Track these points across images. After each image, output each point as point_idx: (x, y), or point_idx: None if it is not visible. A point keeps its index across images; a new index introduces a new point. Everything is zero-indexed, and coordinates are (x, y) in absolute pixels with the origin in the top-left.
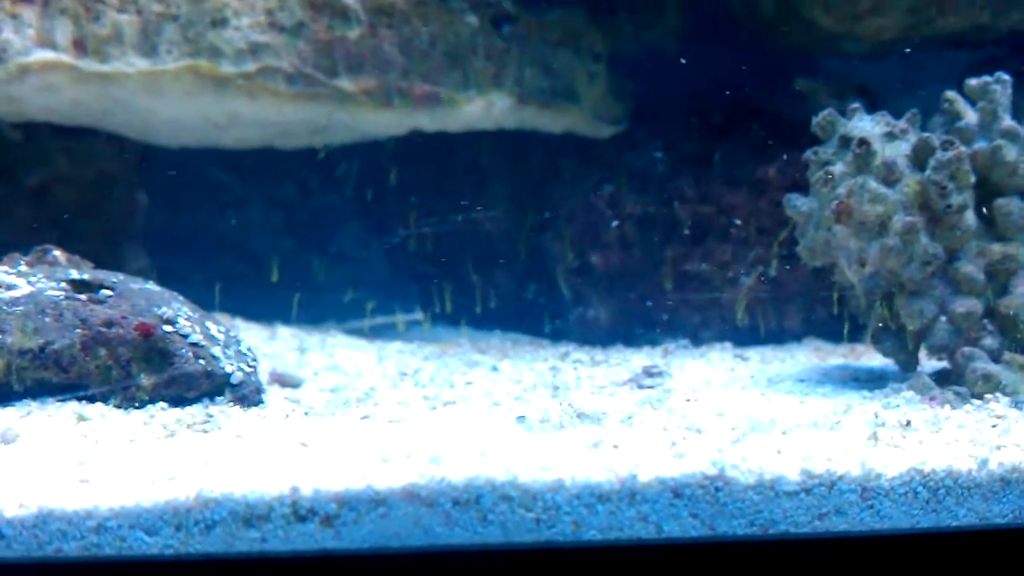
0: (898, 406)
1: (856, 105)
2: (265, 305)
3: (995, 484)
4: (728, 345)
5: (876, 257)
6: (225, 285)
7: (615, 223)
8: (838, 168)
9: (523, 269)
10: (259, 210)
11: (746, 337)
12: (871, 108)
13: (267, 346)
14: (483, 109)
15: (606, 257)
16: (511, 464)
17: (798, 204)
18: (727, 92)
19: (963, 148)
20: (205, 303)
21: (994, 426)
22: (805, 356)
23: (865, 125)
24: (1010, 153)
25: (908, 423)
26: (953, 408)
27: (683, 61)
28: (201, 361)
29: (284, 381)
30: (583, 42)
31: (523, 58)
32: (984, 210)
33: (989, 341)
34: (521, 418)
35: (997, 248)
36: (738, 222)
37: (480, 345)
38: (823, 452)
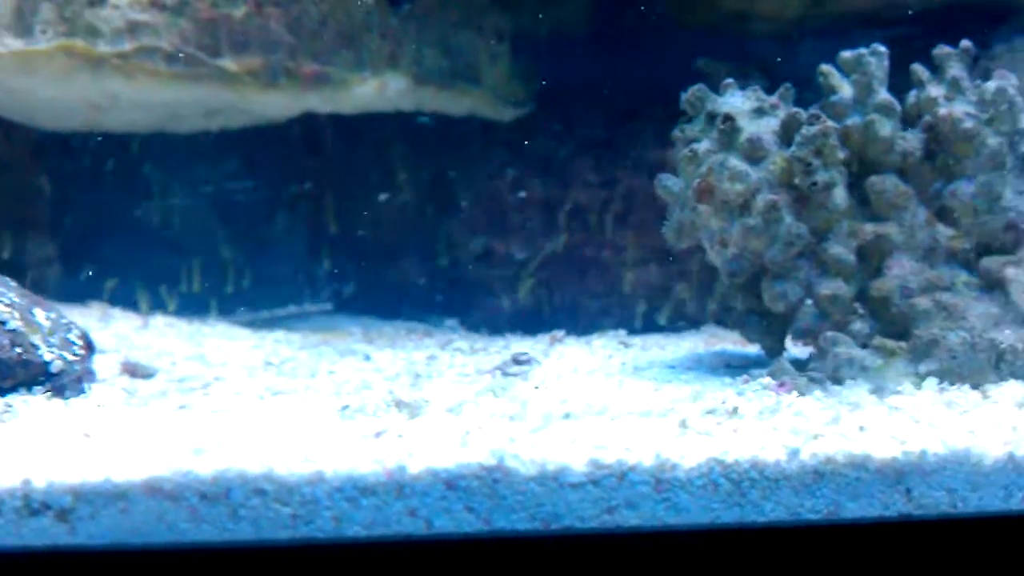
0: (743, 392)
1: (729, 81)
2: (178, 295)
3: (807, 476)
4: (622, 332)
5: (738, 238)
6: (137, 274)
7: (517, 208)
8: (703, 145)
9: (431, 256)
10: (178, 197)
11: (647, 323)
12: (771, 88)
13: (137, 336)
14: (377, 90)
15: (509, 243)
16: (272, 456)
17: (668, 184)
18: (633, 74)
19: (830, 123)
20: (118, 293)
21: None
22: (692, 343)
23: (735, 101)
24: (884, 128)
25: (735, 410)
26: (801, 395)
27: (590, 41)
28: (17, 349)
29: (135, 371)
30: (485, 22)
31: (422, 38)
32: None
33: (859, 325)
34: (345, 407)
35: (869, 228)
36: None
37: (371, 334)
38: (626, 441)
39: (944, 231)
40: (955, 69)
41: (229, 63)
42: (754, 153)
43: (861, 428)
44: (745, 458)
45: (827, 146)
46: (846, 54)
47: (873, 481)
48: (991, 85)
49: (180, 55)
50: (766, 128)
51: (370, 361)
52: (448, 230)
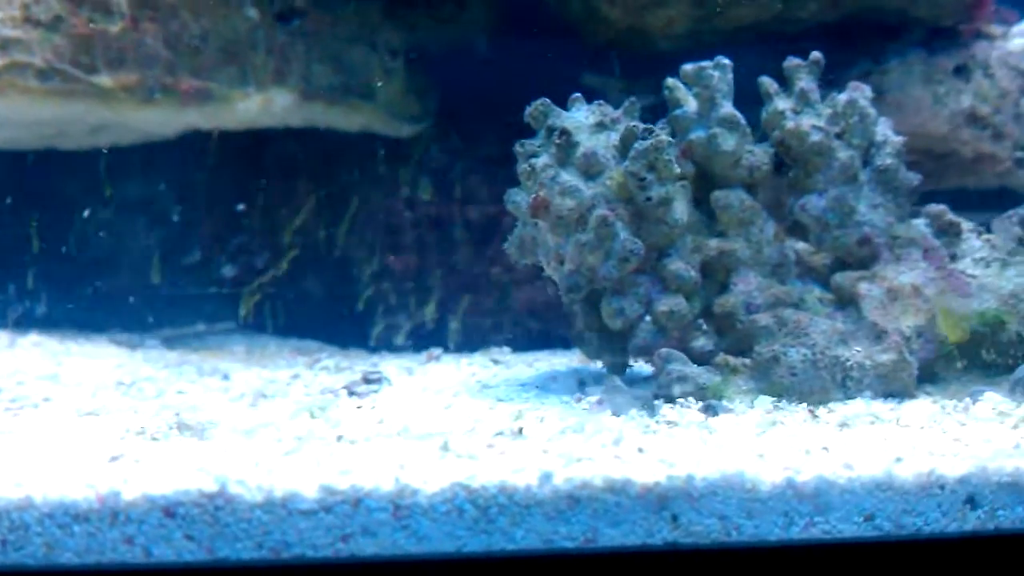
0: (544, 413)
1: (577, 95)
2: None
3: (561, 502)
4: (506, 350)
5: (573, 254)
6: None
7: (412, 225)
8: (541, 160)
9: (333, 274)
10: (95, 214)
11: (537, 340)
12: (661, 104)
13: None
14: (261, 106)
15: (404, 260)
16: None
17: (517, 199)
18: (532, 89)
19: (664, 137)
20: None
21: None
22: (568, 360)
23: (578, 115)
24: (727, 142)
25: (520, 431)
26: (616, 414)
27: (489, 57)
28: None
29: None
30: (379, 38)
31: (311, 54)
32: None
33: (702, 342)
34: (128, 430)
35: (714, 243)
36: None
37: (256, 353)
38: (374, 465)
39: (798, 246)
40: (804, 81)
41: (105, 79)
42: (590, 168)
43: (640, 450)
44: (493, 483)
45: (661, 160)
46: (687, 67)
47: (634, 507)
48: (842, 97)
49: (53, 71)
50: (605, 143)
51: (228, 380)
52: (345, 248)
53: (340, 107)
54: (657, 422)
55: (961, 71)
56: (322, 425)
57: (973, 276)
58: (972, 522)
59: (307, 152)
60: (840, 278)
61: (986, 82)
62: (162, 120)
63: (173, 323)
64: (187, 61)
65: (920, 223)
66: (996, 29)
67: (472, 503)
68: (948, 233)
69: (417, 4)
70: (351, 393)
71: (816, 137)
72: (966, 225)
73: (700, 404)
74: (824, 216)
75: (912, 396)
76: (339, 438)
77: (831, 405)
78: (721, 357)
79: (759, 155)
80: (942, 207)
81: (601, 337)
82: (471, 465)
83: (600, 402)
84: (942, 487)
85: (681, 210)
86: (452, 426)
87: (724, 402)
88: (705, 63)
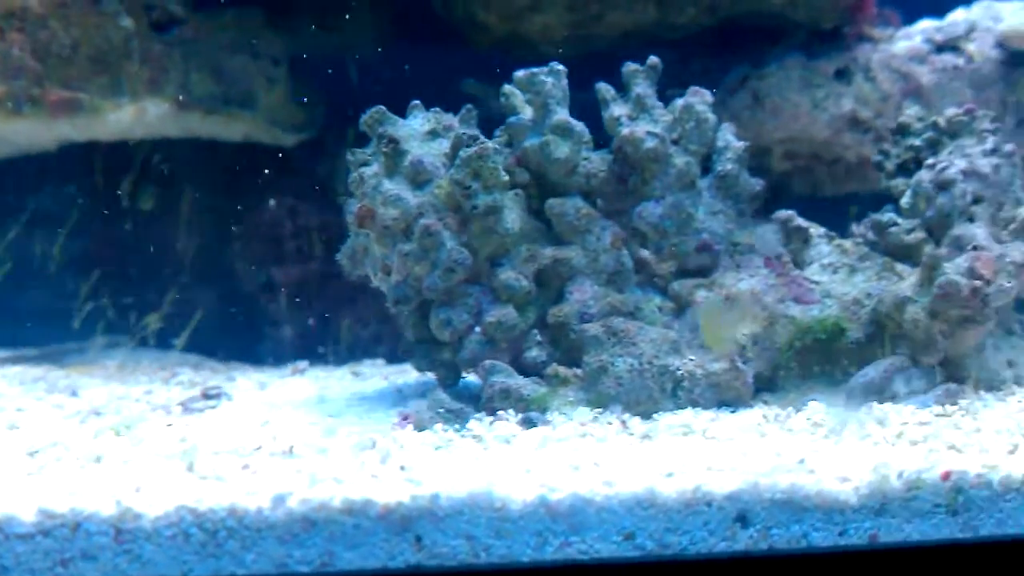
0: (355, 429)
1: (415, 103)
2: None
3: (295, 525)
4: (380, 361)
5: (399, 264)
6: None
7: (293, 235)
8: (371, 169)
9: (222, 286)
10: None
11: None
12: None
13: None
14: (134, 116)
15: (287, 271)
16: None
17: (352, 209)
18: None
19: (489, 144)
20: None
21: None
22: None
23: (413, 123)
24: (560, 150)
25: (291, 449)
26: (419, 429)
27: (377, 64)
28: None
29: None
30: (261, 46)
31: (189, 62)
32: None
33: (535, 353)
34: None
35: (548, 252)
36: None
37: (129, 368)
38: (105, 488)
39: (644, 254)
40: (640, 87)
41: None
42: (418, 176)
43: (402, 468)
44: (223, 506)
45: (486, 168)
46: (519, 73)
47: (375, 528)
48: (679, 102)
49: None
50: (437, 150)
51: (75, 397)
52: (230, 260)
53: (219, 116)
54: (463, 436)
55: (842, 74)
56: (122, 444)
57: (817, 283)
58: (743, 541)
59: (191, 163)
60: (677, 286)
61: (867, 85)
62: (32, 132)
63: (73, 338)
64: (56, 72)
65: (768, 229)
66: (879, 32)
67: (199, 527)
68: (796, 239)
69: (300, 12)
70: (186, 409)
71: (650, 143)
72: (815, 231)
73: (519, 417)
74: (661, 223)
75: (748, 405)
76: (98, 459)
77: (657, 415)
78: (552, 368)
79: (596, 162)
80: (789, 213)
81: (431, 349)
82: (210, 487)
83: (406, 417)
84: (709, 504)
85: (512, 219)
86: (243, 444)
87: (547, 414)
88: (538, 69)
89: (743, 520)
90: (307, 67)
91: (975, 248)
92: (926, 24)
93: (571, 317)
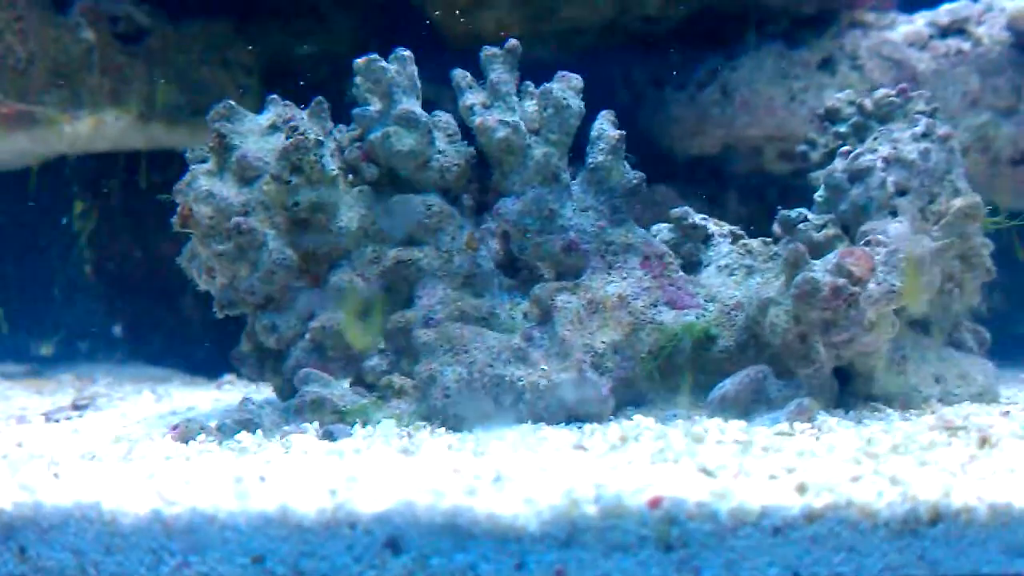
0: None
1: (272, 96)
2: None
3: None
4: None
5: (220, 266)
6: None
7: None
8: (204, 166)
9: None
10: None
11: None
12: None
13: None
14: (93, 127)
15: None
16: None
17: None
18: None
19: (311, 136)
20: None
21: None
22: None
23: (260, 118)
24: (403, 141)
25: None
26: (184, 440)
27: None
28: None
29: None
30: (231, 55)
31: (155, 73)
32: None
33: (375, 361)
34: None
35: (393, 253)
36: None
37: (83, 382)
38: None
39: (495, 255)
40: (496, 72)
41: None
42: (244, 173)
43: (56, 476)
44: None
45: (306, 161)
46: (359, 60)
47: None
48: (538, 89)
49: None
50: (272, 146)
51: None
52: None
53: (186, 127)
54: (223, 448)
55: (826, 64)
56: None
57: (704, 286)
58: (396, 570)
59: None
60: (539, 289)
61: (854, 75)
62: None
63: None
64: (12, 85)
65: (663, 228)
66: (871, 16)
67: None
68: (693, 238)
69: (270, 20)
70: (49, 419)
71: (501, 133)
72: (718, 229)
73: (318, 430)
74: (521, 221)
75: (603, 421)
76: None
77: (487, 430)
78: (386, 378)
79: (452, 155)
80: (684, 210)
81: (260, 357)
82: None
83: (175, 428)
84: (352, 526)
85: (349, 217)
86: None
87: (368, 426)
88: (374, 55)
89: (394, 546)
90: (281, 73)
91: (867, 243)
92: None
93: (415, 323)
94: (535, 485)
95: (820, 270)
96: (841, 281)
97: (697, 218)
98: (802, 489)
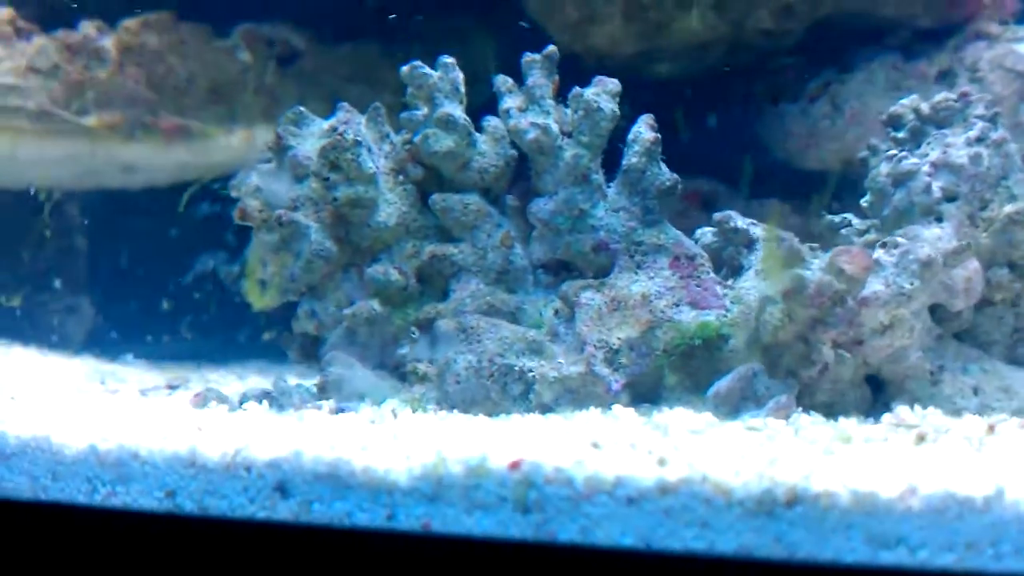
0: None
1: (342, 104)
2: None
3: None
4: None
5: (270, 256)
6: None
7: None
8: (267, 166)
9: None
10: None
11: None
12: None
13: None
14: (245, 141)
15: None
16: None
17: None
18: None
19: (349, 136)
20: None
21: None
22: None
23: (324, 122)
24: (440, 143)
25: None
26: (198, 407)
27: None
28: None
29: None
30: (378, 75)
31: (305, 92)
32: None
33: (407, 349)
34: None
35: (429, 249)
36: None
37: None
38: None
39: (531, 252)
40: (533, 77)
41: (91, 119)
42: (296, 170)
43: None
44: None
45: (343, 159)
46: (404, 68)
47: None
48: (574, 92)
49: (44, 114)
50: (314, 146)
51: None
52: None
53: None
54: (231, 412)
55: (945, 76)
56: None
57: (733, 288)
58: (283, 512)
59: None
60: (565, 287)
61: (974, 87)
62: (150, 157)
63: None
64: (171, 102)
65: (708, 231)
66: (996, 28)
67: None
68: (735, 242)
69: (414, 43)
70: (143, 394)
71: (532, 134)
72: (762, 233)
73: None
74: (553, 220)
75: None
76: None
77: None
78: (411, 364)
79: (491, 157)
80: (728, 213)
81: (304, 342)
82: None
83: (197, 395)
84: (248, 469)
85: (388, 213)
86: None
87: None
88: (417, 62)
89: (282, 490)
90: None
91: (883, 245)
92: None
93: (446, 314)
94: (421, 444)
95: (818, 268)
96: (827, 278)
97: (741, 222)
98: (662, 462)
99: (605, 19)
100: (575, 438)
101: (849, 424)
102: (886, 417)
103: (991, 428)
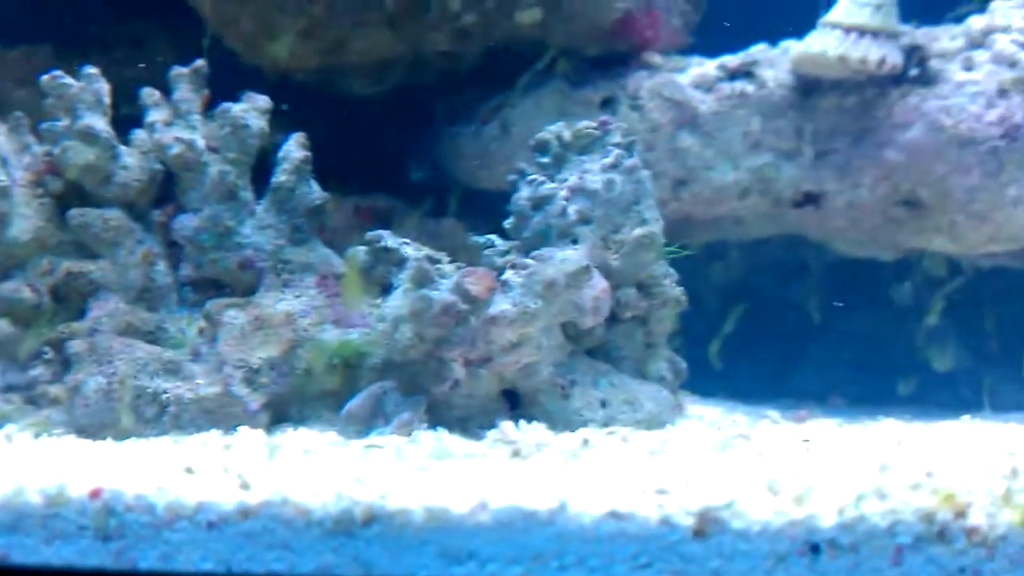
0: None
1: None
2: None
3: None
4: None
5: None
6: None
7: None
8: None
9: None
10: None
11: None
12: None
13: None
14: None
15: None
16: None
17: None
18: None
19: None
20: None
21: None
22: None
23: None
24: (80, 156)
25: None
26: None
27: None
28: None
29: None
30: None
31: None
32: None
33: (40, 370)
34: None
35: (65, 265)
36: None
37: None
38: None
39: (177, 269)
40: (180, 91)
41: None
42: None
43: None
44: None
45: None
46: (45, 77)
47: None
48: (221, 108)
49: None
50: None
51: None
52: None
53: None
54: None
55: (608, 103)
56: None
57: (379, 306)
58: None
59: None
60: (209, 306)
61: (634, 115)
62: None
63: None
64: None
65: (360, 250)
66: (659, 59)
67: None
68: (385, 261)
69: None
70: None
71: (175, 150)
72: (414, 252)
73: None
74: (197, 237)
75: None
76: None
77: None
78: (42, 387)
79: (135, 171)
80: (379, 232)
81: None
82: None
83: None
84: None
85: (23, 228)
86: None
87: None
88: (58, 72)
89: None
90: None
91: (513, 266)
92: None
93: (80, 334)
94: (9, 473)
95: (447, 288)
96: (452, 299)
97: (392, 241)
98: (245, 486)
99: (281, 33)
100: (174, 463)
101: (452, 440)
102: (491, 433)
103: (585, 442)
